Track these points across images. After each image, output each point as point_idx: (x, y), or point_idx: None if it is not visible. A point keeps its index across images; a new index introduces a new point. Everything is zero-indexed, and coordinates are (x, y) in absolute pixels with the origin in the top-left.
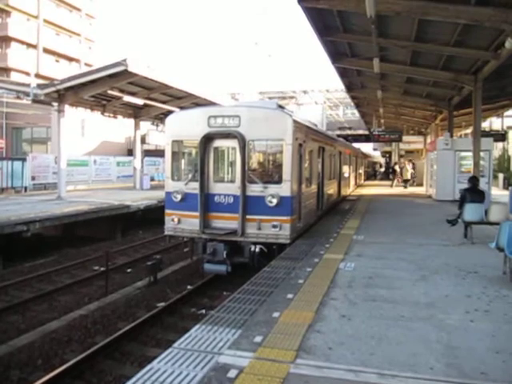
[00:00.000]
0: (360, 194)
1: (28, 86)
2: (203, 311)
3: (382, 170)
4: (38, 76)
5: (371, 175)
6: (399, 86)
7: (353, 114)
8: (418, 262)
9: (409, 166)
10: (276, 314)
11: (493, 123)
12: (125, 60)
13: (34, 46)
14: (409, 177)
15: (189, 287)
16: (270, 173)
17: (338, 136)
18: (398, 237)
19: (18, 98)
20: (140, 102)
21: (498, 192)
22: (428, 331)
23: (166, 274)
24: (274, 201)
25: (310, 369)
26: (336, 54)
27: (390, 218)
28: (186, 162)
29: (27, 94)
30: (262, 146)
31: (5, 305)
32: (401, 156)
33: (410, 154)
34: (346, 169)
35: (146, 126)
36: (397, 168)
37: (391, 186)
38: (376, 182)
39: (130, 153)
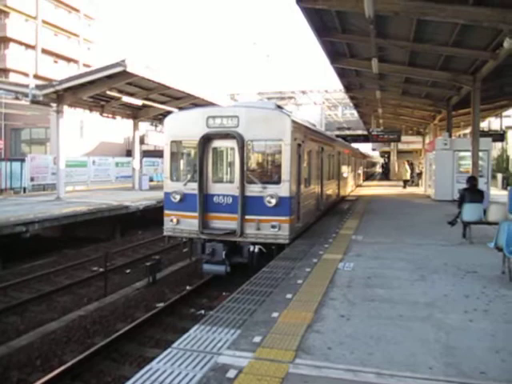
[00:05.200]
0: (359, 195)
1: (26, 86)
2: (202, 311)
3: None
4: (36, 77)
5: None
6: (398, 86)
7: (351, 114)
8: (417, 262)
9: (408, 167)
10: (275, 314)
11: (491, 123)
12: (123, 61)
13: (33, 47)
14: (408, 177)
15: (188, 287)
16: (269, 173)
17: (337, 136)
18: (397, 237)
19: (17, 98)
20: (139, 102)
21: (496, 192)
22: (427, 331)
23: (165, 275)
24: (273, 201)
25: (309, 369)
26: (335, 55)
27: (388, 218)
28: (184, 162)
29: (26, 95)
30: (261, 146)
31: (4, 306)
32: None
33: (409, 154)
34: (344, 169)
35: (144, 126)
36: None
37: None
38: (375, 183)
39: (129, 153)
